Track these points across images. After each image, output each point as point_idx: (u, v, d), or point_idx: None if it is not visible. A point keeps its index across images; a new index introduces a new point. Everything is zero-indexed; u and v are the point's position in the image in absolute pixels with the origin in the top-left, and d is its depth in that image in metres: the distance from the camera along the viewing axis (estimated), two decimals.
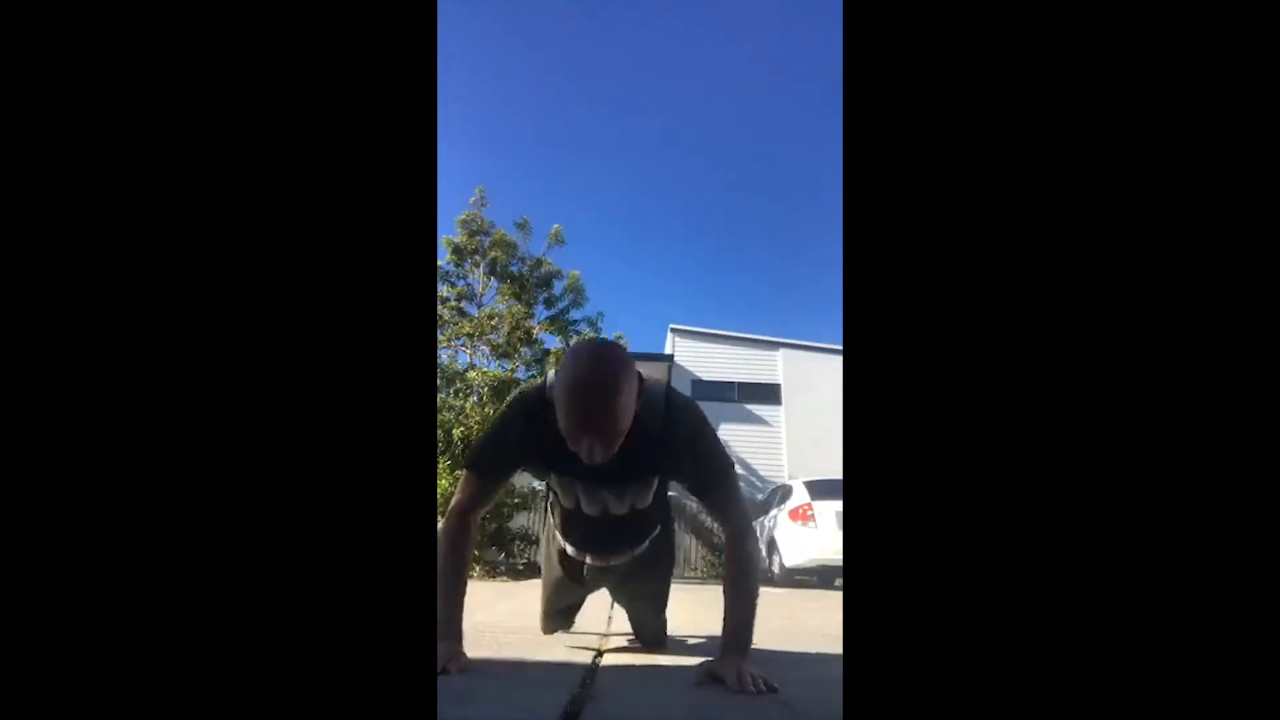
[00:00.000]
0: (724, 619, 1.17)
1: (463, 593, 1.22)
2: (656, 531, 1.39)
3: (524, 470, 1.29)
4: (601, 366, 1.04)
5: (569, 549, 1.40)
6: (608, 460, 1.07)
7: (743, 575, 1.19)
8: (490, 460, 1.24)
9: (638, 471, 1.23)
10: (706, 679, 1.11)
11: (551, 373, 1.15)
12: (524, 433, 1.20)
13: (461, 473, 1.71)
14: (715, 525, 10.25)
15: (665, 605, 1.55)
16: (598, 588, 1.52)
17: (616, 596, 1.57)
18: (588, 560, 1.39)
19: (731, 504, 1.22)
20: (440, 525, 1.20)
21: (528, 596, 3.45)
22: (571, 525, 1.35)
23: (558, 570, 1.46)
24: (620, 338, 8.02)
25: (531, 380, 6.84)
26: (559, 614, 1.66)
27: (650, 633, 1.60)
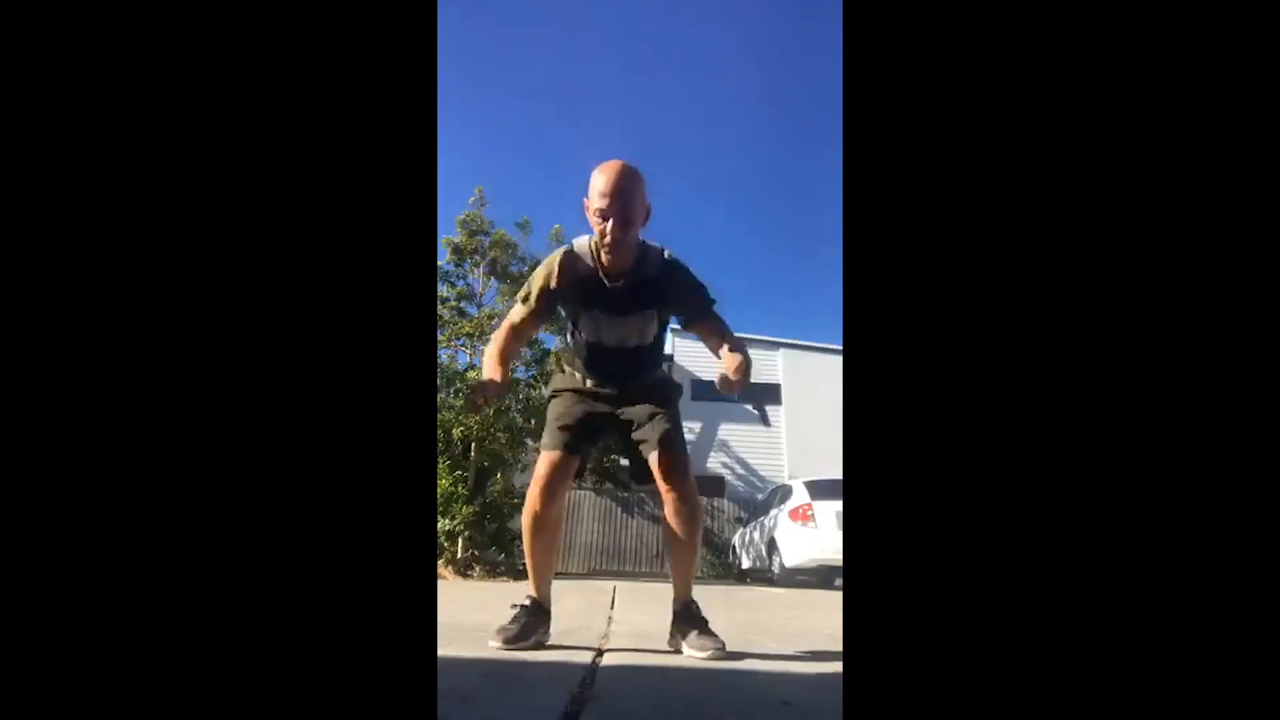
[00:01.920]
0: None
1: (510, 355, 1.64)
2: (660, 371, 1.72)
3: (562, 307, 1.62)
4: (625, 168, 1.45)
5: (589, 382, 1.65)
6: (621, 264, 1.48)
7: (736, 350, 1.47)
8: (539, 306, 1.59)
9: (643, 304, 1.56)
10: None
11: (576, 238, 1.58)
12: (560, 277, 1.55)
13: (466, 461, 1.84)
14: (714, 527, 10.26)
15: (681, 432, 1.65)
16: (607, 429, 1.68)
17: (634, 434, 1.61)
18: (607, 391, 1.64)
19: (717, 319, 1.58)
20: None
21: None
22: (593, 359, 1.63)
23: (569, 416, 1.62)
24: None
25: (533, 379, 6.84)
26: (550, 520, 1.58)
27: (678, 453, 1.58)
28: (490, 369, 1.56)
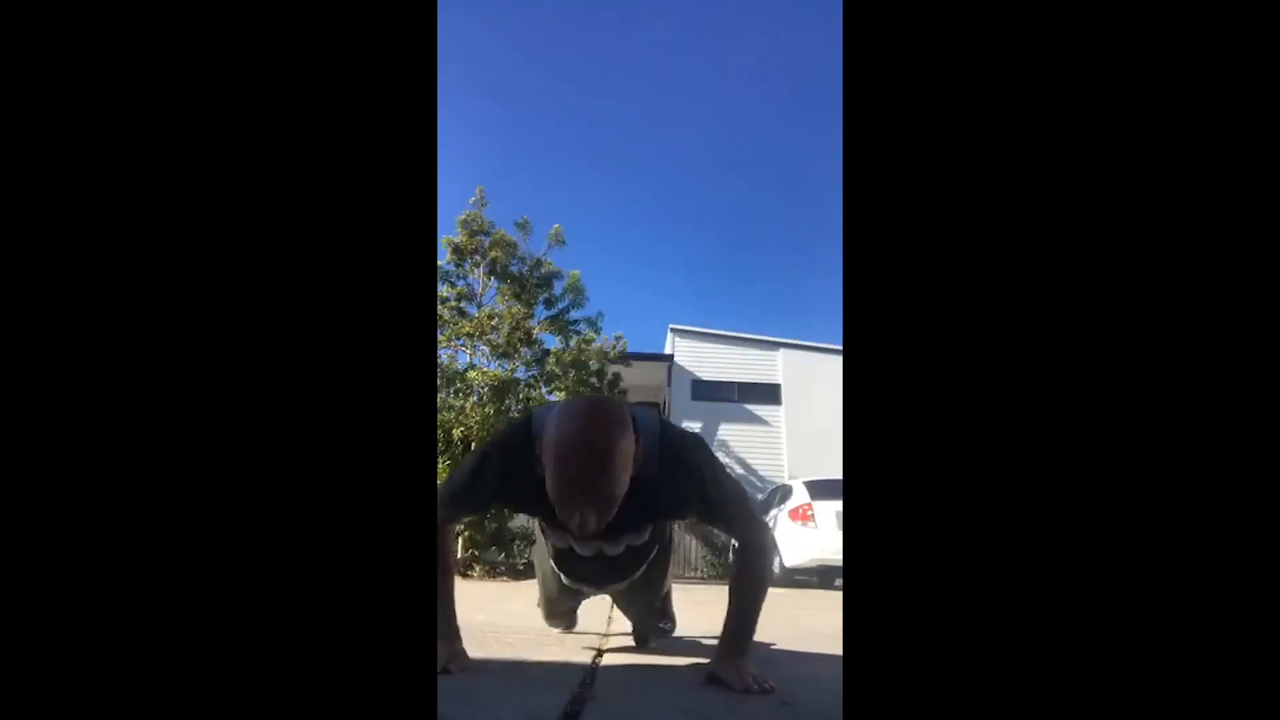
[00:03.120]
0: (725, 622, 1.18)
1: (452, 592, 1.22)
2: (653, 554, 1.35)
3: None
4: (597, 430, 0.97)
5: (564, 579, 1.38)
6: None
7: (749, 583, 1.20)
8: (464, 504, 1.21)
9: (635, 521, 1.18)
10: (709, 680, 1.14)
11: (540, 410, 1.12)
12: (504, 477, 1.13)
13: None
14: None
15: (661, 598, 1.53)
16: (597, 594, 1.54)
17: (616, 601, 1.59)
18: (584, 589, 1.44)
19: (741, 523, 1.20)
20: None
21: (528, 596, 3.44)
22: (565, 562, 1.32)
23: (554, 584, 1.46)
24: (620, 337, 8.00)
25: (533, 379, 6.83)
26: (560, 615, 1.67)
27: (648, 626, 1.62)
28: (444, 627, 1.16)
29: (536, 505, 1.15)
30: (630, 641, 1.66)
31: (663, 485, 1.11)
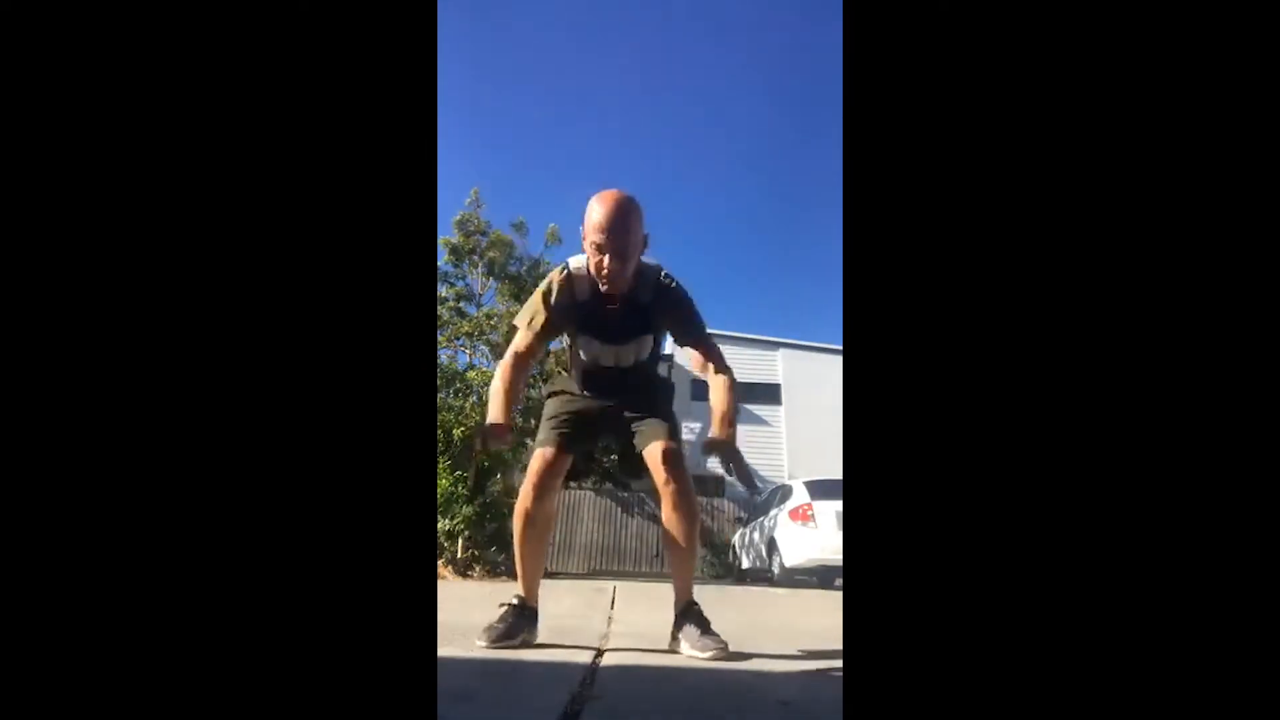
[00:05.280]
0: (712, 410, 1.55)
1: (517, 390, 1.61)
2: (657, 376, 1.74)
3: (557, 335, 1.64)
4: (621, 200, 1.46)
5: (586, 393, 1.67)
6: (618, 292, 1.50)
7: (722, 381, 1.56)
8: (542, 317, 1.58)
9: (637, 329, 1.60)
10: (706, 449, 1.49)
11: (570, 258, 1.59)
12: (559, 300, 1.57)
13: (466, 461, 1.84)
14: (714, 527, 10.25)
15: (677, 428, 1.68)
16: (605, 430, 1.70)
17: (631, 428, 1.63)
18: (604, 404, 1.66)
19: (706, 342, 1.61)
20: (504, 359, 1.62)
21: None
22: (590, 376, 1.67)
23: (562, 427, 1.62)
24: None
25: (532, 379, 6.84)
26: (545, 493, 1.57)
27: (673, 448, 1.58)
28: (496, 411, 1.54)
29: (581, 321, 1.60)
30: (630, 642, 1.66)
31: (654, 306, 1.59)
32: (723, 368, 1.59)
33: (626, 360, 1.64)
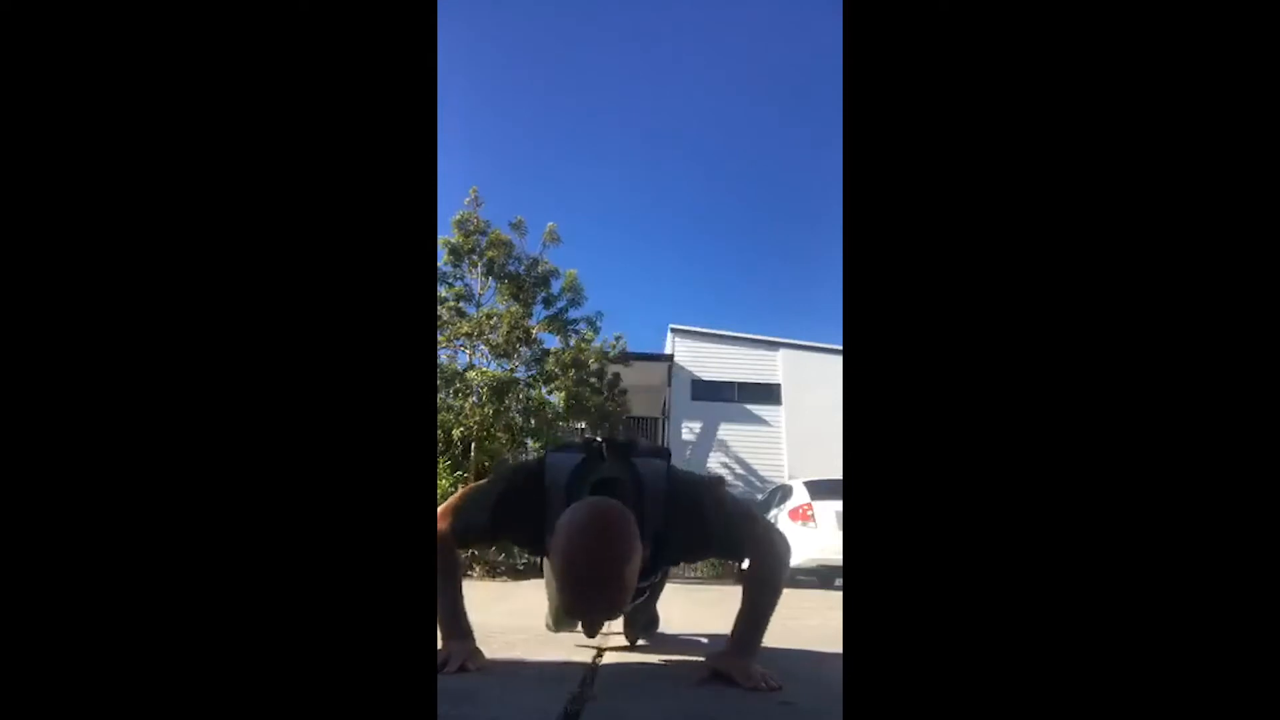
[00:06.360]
0: (736, 622, 1.21)
1: (460, 592, 1.28)
2: (657, 578, 1.41)
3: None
4: (607, 551, 0.96)
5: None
6: None
7: (762, 588, 1.23)
8: (473, 536, 1.26)
9: (644, 578, 1.21)
10: (711, 676, 1.15)
11: (553, 458, 1.18)
12: (513, 514, 1.19)
13: (458, 480, 1.75)
14: None
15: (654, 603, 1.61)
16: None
17: None
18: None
19: (754, 546, 1.22)
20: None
21: (528, 596, 3.45)
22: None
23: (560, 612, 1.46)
24: (620, 337, 7.99)
25: (532, 379, 6.83)
26: (567, 626, 1.66)
27: (640, 626, 1.64)
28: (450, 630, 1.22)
29: (541, 547, 1.17)
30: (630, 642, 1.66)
31: (671, 539, 1.16)
32: (769, 563, 1.23)
33: None
